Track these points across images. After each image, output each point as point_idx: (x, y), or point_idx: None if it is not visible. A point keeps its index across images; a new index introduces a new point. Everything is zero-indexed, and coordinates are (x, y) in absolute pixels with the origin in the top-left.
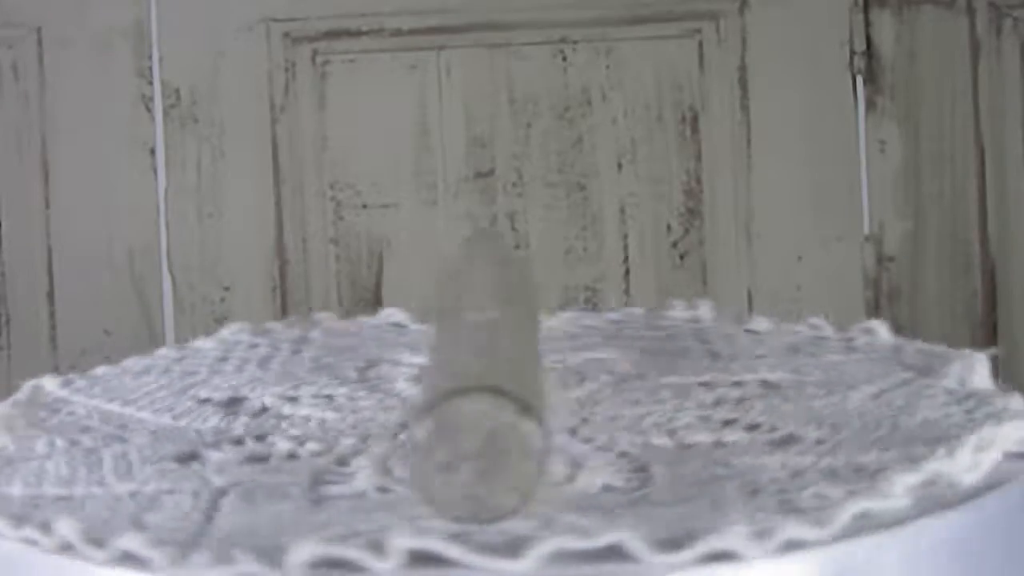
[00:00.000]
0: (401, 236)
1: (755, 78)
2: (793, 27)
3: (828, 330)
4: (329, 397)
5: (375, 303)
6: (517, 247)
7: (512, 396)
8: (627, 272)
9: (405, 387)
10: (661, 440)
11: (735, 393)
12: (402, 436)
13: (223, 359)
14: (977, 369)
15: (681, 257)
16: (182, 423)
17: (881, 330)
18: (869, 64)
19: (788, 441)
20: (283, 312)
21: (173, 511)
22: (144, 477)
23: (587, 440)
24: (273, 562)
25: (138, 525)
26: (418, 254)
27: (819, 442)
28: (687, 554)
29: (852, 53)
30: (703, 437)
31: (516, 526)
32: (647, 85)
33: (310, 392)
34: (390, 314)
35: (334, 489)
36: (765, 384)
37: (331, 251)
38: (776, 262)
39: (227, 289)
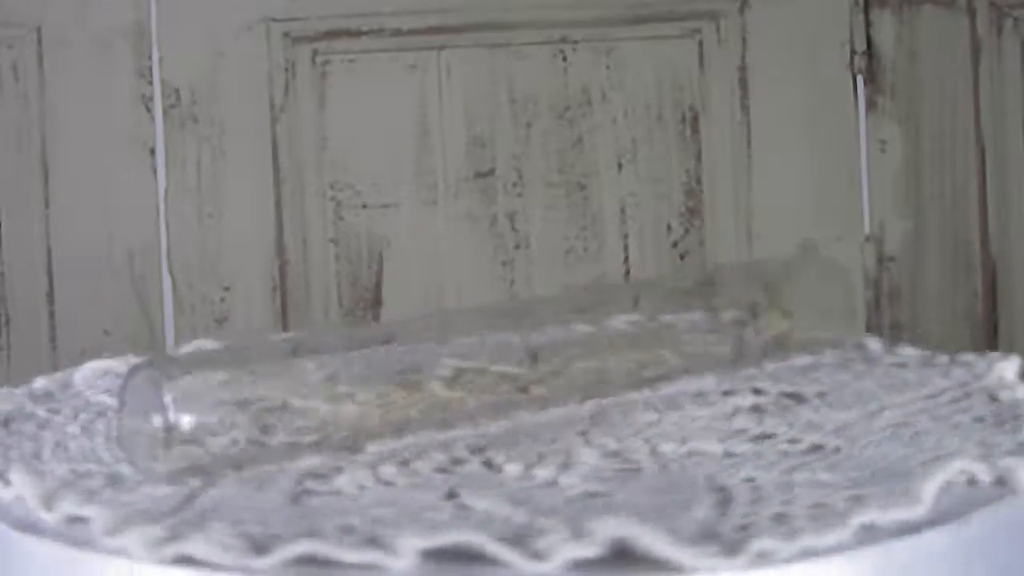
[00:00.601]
0: (401, 236)
1: (755, 78)
2: (793, 27)
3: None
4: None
5: (375, 303)
6: (517, 247)
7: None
8: (627, 272)
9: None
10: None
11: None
12: None
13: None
14: None
15: (681, 257)
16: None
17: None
18: (870, 64)
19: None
20: (283, 312)
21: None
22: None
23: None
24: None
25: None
26: (418, 254)
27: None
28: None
29: (853, 53)
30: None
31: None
32: (647, 85)
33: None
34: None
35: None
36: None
37: (331, 251)
38: None
39: (227, 289)
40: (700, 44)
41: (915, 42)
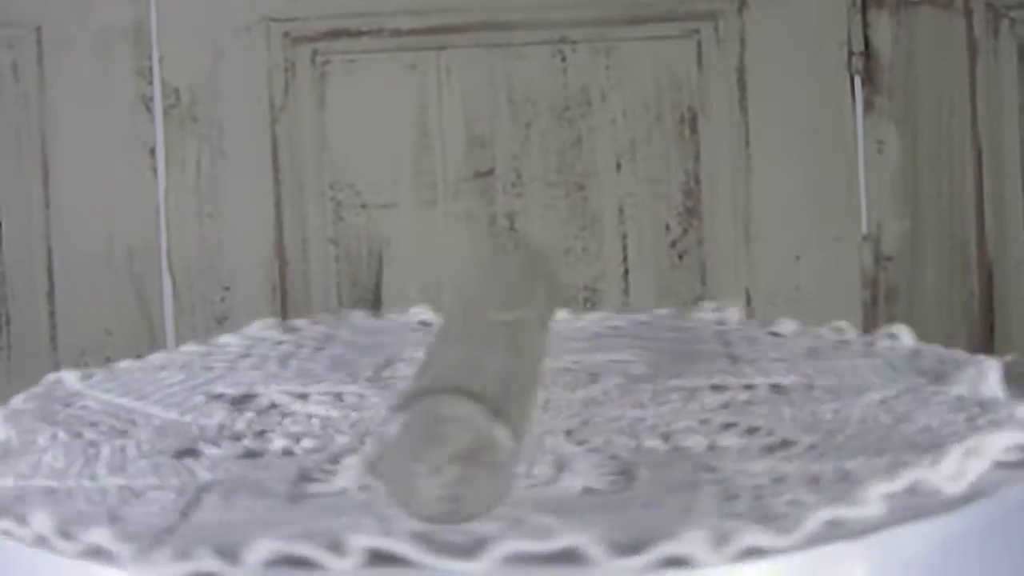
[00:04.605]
0: (401, 236)
1: (754, 78)
2: (792, 27)
3: (851, 334)
4: (339, 395)
5: (375, 303)
6: (517, 247)
7: (487, 400)
8: (626, 272)
9: None
10: (654, 443)
11: (743, 396)
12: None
13: (245, 355)
14: (989, 376)
15: (680, 257)
16: (187, 418)
17: (904, 335)
18: (867, 64)
19: (781, 446)
20: (283, 312)
21: (153, 506)
22: (136, 471)
23: (580, 442)
24: (233, 559)
25: (113, 519)
26: (418, 254)
27: (811, 447)
28: (641, 559)
29: (850, 53)
30: (697, 441)
31: (479, 526)
32: (646, 85)
33: (320, 389)
34: (418, 312)
35: (317, 487)
36: (775, 388)
37: (331, 251)
38: (775, 262)
39: (227, 289)
40: (699, 44)
41: (912, 43)
